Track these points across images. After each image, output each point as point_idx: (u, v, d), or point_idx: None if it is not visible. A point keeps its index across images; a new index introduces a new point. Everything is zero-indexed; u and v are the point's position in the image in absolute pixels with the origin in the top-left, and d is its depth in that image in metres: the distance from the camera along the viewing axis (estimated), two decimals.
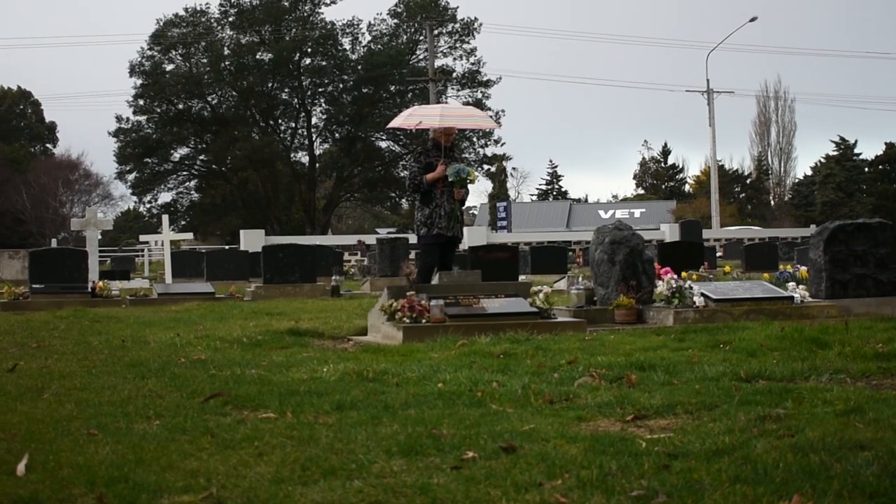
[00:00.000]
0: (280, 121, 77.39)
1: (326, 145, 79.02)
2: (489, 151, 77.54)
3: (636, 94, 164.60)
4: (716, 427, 5.38)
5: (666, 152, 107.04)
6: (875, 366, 7.64)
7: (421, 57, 74.41)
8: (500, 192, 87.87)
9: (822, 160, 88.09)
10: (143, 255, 52.80)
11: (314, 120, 76.80)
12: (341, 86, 75.62)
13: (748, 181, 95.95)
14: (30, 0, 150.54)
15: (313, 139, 77.12)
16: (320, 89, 75.95)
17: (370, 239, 45.97)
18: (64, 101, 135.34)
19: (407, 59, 74.39)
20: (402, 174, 69.96)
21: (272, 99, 74.84)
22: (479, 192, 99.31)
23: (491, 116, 57.80)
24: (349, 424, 5.71)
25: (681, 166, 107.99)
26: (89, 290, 20.03)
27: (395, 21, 75.70)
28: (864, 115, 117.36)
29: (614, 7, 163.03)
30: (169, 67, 73.29)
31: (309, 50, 73.76)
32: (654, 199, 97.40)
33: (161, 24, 72.53)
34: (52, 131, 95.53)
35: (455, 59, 75.55)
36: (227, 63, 72.64)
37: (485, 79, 75.91)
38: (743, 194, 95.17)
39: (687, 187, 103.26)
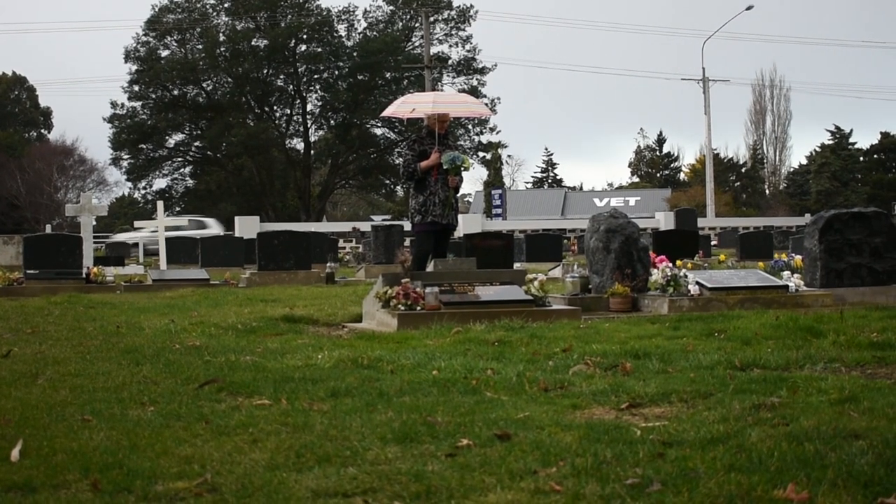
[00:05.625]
0: (275, 107, 77.26)
1: (321, 132, 78.92)
2: (484, 139, 77.47)
3: (632, 83, 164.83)
4: (710, 415, 5.39)
5: (661, 140, 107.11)
6: (869, 355, 7.65)
7: (417, 44, 74.29)
8: (495, 180, 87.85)
9: (818, 149, 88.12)
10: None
11: (309, 107, 76.71)
12: (337, 72, 75.47)
13: (743, 170, 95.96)
14: None
15: (308, 126, 77.03)
16: (315, 76, 75.82)
17: (365, 226, 45.96)
18: (59, 86, 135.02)
19: (402, 47, 74.26)
20: (397, 161, 69.78)
21: (267, 85, 74.70)
22: (474, 180, 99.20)
23: (486, 104, 57.68)
24: (344, 411, 5.71)
25: (676, 155, 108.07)
26: (84, 276, 20.00)
27: (391, 8, 75.56)
28: (859, 104, 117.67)
29: None
30: (164, 53, 73.12)
31: (304, 36, 73.60)
32: (649, 187, 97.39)
33: (156, 9, 72.36)
34: (46, 117, 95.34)
35: (451, 46, 75.45)
36: (222, 49, 72.49)
37: (480, 66, 75.84)
38: (738, 183, 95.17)
39: (682, 176, 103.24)
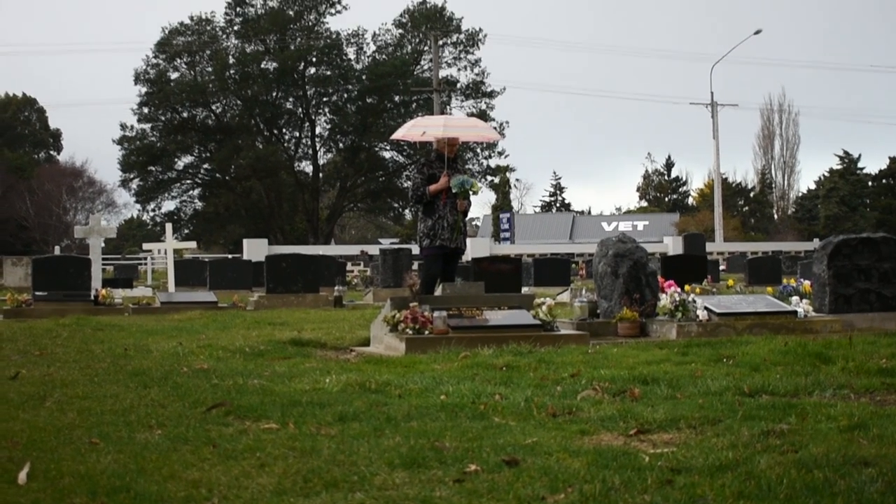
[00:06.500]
0: (284, 130, 77.47)
1: (330, 155, 79.10)
2: (493, 162, 77.65)
3: (640, 107, 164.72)
4: (719, 442, 5.37)
5: (669, 165, 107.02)
6: (879, 381, 7.63)
7: (425, 67, 74.47)
8: (503, 204, 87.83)
9: (826, 174, 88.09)
10: (146, 264, 52.78)
11: (318, 129, 76.91)
12: (345, 95, 75.67)
13: (751, 194, 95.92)
14: (35, 7, 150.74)
15: (317, 149, 77.18)
16: (324, 99, 76.00)
17: (373, 249, 46.00)
18: (69, 108, 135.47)
19: (411, 70, 74.44)
20: (406, 184, 70.02)
21: (276, 108, 74.90)
22: (482, 204, 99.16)
23: (495, 127, 57.72)
24: (351, 436, 5.70)
25: (684, 179, 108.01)
26: (92, 297, 20.03)
27: (400, 31, 75.83)
28: (868, 129, 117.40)
29: (618, 19, 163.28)
30: (174, 76, 73.39)
31: (314, 59, 73.84)
32: (657, 211, 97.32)
33: (166, 32, 72.70)
34: (56, 138, 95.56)
35: (459, 69, 75.67)
36: (231, 72, 72.72)
37: (489, 89, 76.01)
38: (746, 207, 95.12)
39: (690, 200, 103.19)
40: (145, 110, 72.46)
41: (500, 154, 76.98)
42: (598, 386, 7.43)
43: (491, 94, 76.13)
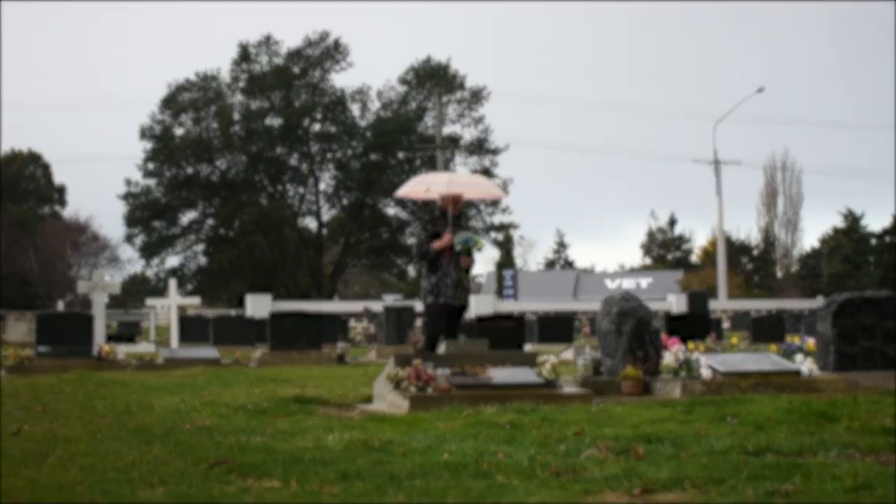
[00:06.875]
0: (288, 186, 77.71)
1: (334, 211, 79.33)
2: (496, 219, 77.88)
3: (643, 164, 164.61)
4: (724, 502, 5.34)
5: (673, 222, 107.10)
6: (884, 441, 7.59)
7: (429, 124, 74.89)
8: (506, 261, 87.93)
9: (830, 232, 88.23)
10: (149, 320, 52.73)
11: (322, 186, 77.20)
12: (350, 152, 76.02)
13: (755, 252, 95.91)
14: (41, 62, 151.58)
15: (321, 205, 77.45)
16: (329, 155, 76.35)
17: (377, 306, 46.01)
18: (74, 163, 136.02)
19: (415, 127, 74.84)
20: (410, 241, 70.28)
21: (281, 164, 75.21)
22: (485, 261, 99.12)
23: (498, 184, 57.96)
24: (354, 494, 5.68)
25: (688, 236, 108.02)
26: (95, 353, 20.01)
27: (405, 88, 76.27)
28: (871, 187, 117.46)
29: (621, 77, 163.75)
30: (179, 131, 73.80)
31: (318, 116, 74.30)
32: (660, 268, 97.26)
33: (172, 88, 73.16)
34: (61, 193, 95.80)
35: (463, 126, 76.09)
36: (236, 128, 73.15)
37: (493, 146, 76.36)
38: (750, 265, 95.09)
39: (694, 257, 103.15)
40: (150, 166, 72.83)
41: (504, 211, 77.29)
42: (602, 445, 7.40)
43: (495, 151, 76.52)
